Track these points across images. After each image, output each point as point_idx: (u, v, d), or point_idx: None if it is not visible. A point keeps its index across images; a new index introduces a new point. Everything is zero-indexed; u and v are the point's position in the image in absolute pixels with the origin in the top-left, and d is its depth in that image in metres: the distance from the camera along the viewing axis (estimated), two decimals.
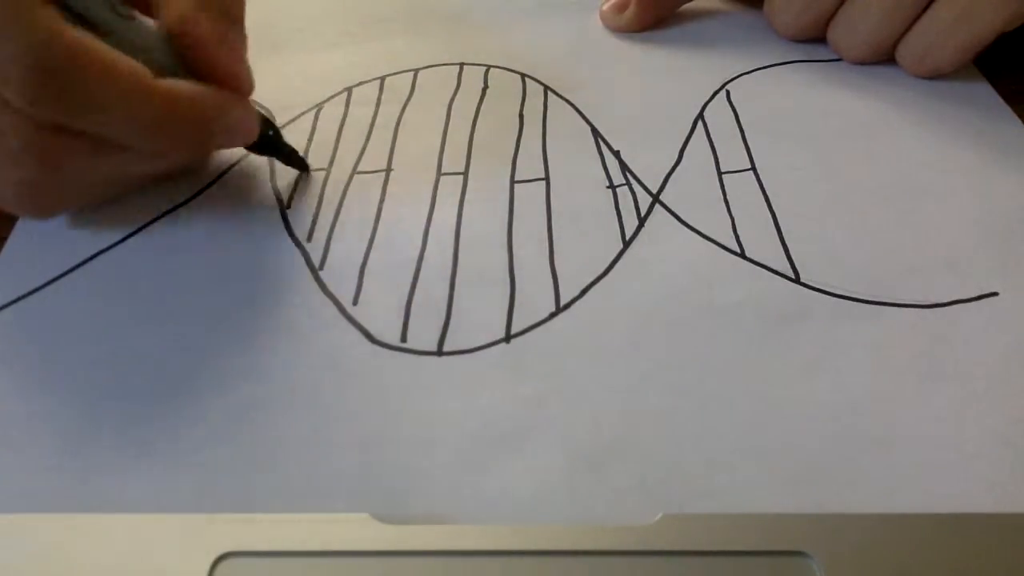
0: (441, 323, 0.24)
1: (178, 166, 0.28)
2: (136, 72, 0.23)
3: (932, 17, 0.30)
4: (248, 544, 0.18)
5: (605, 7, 0.36)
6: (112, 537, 0.18)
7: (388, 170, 0.29)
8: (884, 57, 0.33)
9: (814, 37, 0.34)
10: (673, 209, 0.28)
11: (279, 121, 0.31)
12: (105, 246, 0.26)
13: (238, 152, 0.29)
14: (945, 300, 0.25)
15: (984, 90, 0.32)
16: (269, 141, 0.28)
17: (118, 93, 0.22)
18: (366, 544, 0.18)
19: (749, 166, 0.29)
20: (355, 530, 0.19)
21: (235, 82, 0.25)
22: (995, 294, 0.25)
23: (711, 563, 0.18)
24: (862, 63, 0.33)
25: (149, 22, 0.25)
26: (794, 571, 0.18)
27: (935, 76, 0.33)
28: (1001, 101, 0.32)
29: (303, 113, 0.31)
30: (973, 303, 0.25)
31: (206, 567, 0.18)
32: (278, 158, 0.29)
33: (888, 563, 0.18)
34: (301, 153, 0.29)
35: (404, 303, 0.25)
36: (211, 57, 0.25)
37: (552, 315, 0.24)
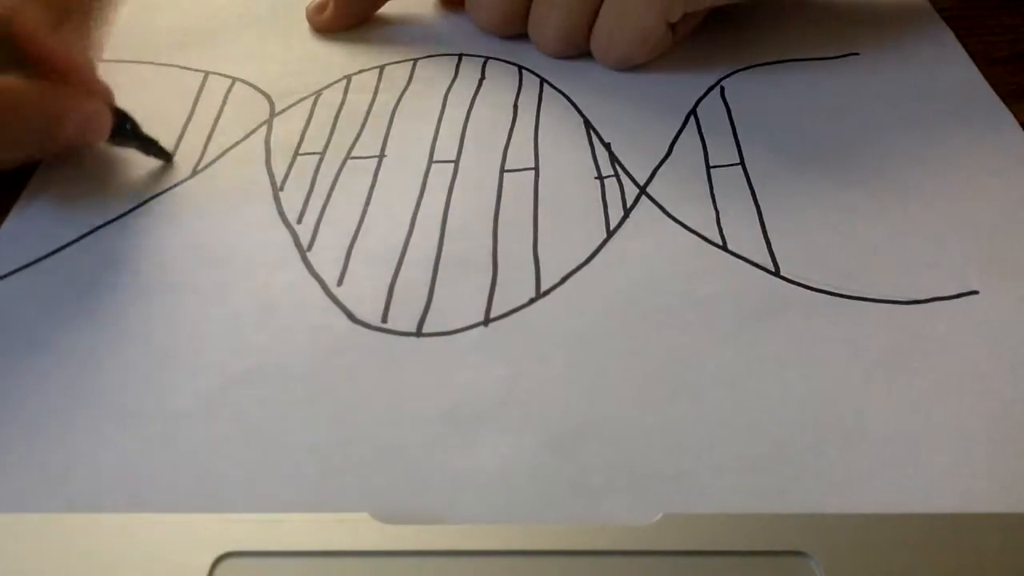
0: (422, 306, 0.25)
1: (17, 162, 0.27)
2: None
3: (603, 13, 0.31)
4: (248, 544, 0.18)
5: (309, 7, 0.36)
6: (112, 537, 0.18)
7: (381, 156, 0.30)
8: (579, 50, 0.33)
9: (513, 32, 0.34)
10: (659, 201, 0.28)
11: (278, 107, 0.32)
12: (100, 223, 0.27)
13: (233, 135, 0.30)
14: (923, 297, 0.25)
15: (982, 89, 0.32)
16: (126, 134, 0.28)
17: None
18: (366, 544, 0.18)
19: (738, 161, 0.29)
20: (355, 530, 0.19)
21: (73, 75, 0.25)
22: (975, 293, 0.25)
23: (711, 563, 0.18)
24: (560, 57, 0.34)
25: None
26: (794, 571, 0.18)
27: (626, 66, 0.33)
28: (998, 100, 0.32)
29: (303, 99, 0.32)
30: (952, 301, 0.25)
31: (206, 567, 0.18)
32: (139, 150, 0.28)
33: (888, 563, 0.18)
34: (297, 138, 0.30)
35: (387, 285, 0.25)
36: (42, 50, 0.24)
37: (532, 300, 0.25)
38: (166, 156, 0.29)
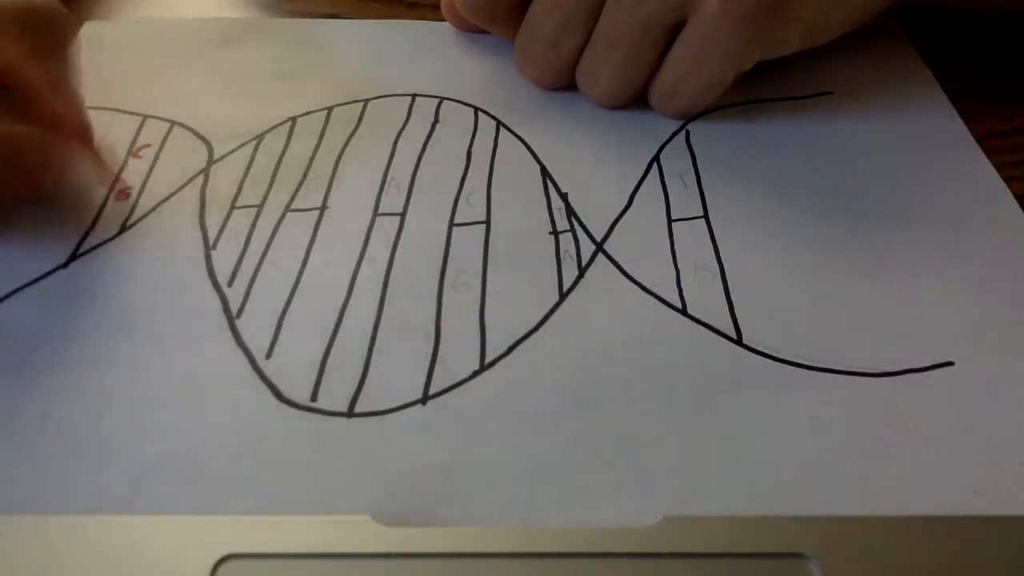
0: (356, 381, 0.23)
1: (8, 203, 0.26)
2: None
3: (670, 62, 0.29)
4: (250, 546, 0.18)
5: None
6: (113, 539, 0.19)
7: (323, 208, 0.28)
8: (633, 101, 0.31)
9: (564, 85, 0.32)
10: (616, 259, 0.26)
11: (217, 153, 0.30)
12: (21, 284, 0.25)
13: (168, 186, 0.28)
14: (895, 369, 0.23)
15: (963, 137, 0.31)
16: None
17: None
18: (367, 546, 0.19)
19: (701, 213, 0.28)
20: (356, 532, 0.19)
21: (70, 125, 0.25)
22: (950, 364, 0.23)
23: (711, 565, 0.18)
24: (612, 108, 0.32)
25: None
26: (793, 573, 0.18)
27: (685, 117, 0.31)
28: (979, 150, 0.30)
29: (243, 144, 0.30)
30: (925, 373, 0.23)
31: (208, 569, 0.18)
32: None
33: (888, 565, 0.18)
34: (235, 189, 0.28)
35: (319, 358, 0.23)
36: (41, 101, 0.24)
37: (475, 373, 0.23)
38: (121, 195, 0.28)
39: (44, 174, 0.25)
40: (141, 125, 0.31)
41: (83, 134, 0.26)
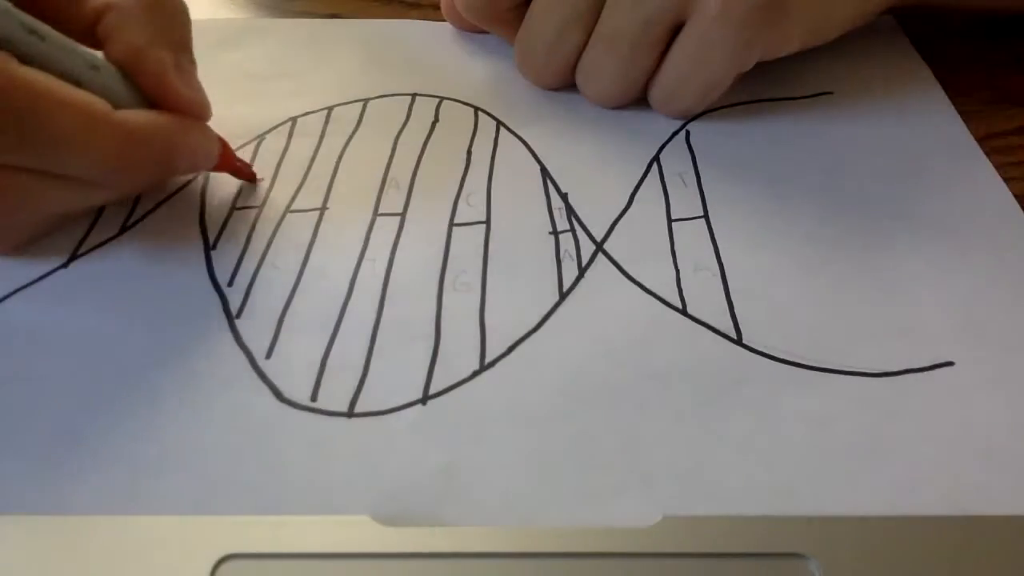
0: (356, 381, 0.23)
1: (138, 192, 0.28)
2: (93, 106, 0.23)
3: (670, 62, 0.29)
4: (250, 546, 0.18)
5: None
6: (113, 539, 0.19)
7: (323, 208, 0.28)
8: (634, 100, 0.31)
9: (565, 85, 0.32)
10: (616, 259, 0.26)
11: None
12: (21, 284, 0.25)
13: (168, 186, 0.28)
14: (895, 369, 0.23)
15: (963, 137, 0.31)
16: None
17: (77, 130, 0.22)
18: (367, 546, 0.19)
19: (701, 213, 0.28)
20: (356, 532, 0.19)
21: (193, 108, 0.26)
22: (950, 364, 0.23)
23: (711, 565, 0.18)
24: (611, 107, 0.32)
25: (100, 56, 0.25)
26: (793, 573, 0.18)
27: (685, 117, 0.31)
28: (979, 150, 0.30)
29: (244, 144, 0.30)
30: (925, 373, 0.23)
31: (208, 569, 0.18)
32: (232, 175, 0.28)
33: (887, 565, 0.18)
34: (235, 190, 0.28)
35: (320, 358, 0.23)
36: (166, 87, 0.25)
37: (475, 374, 0.23)
38: (253, 178, 0.29)
39: (175, 158, 0.25)
40: None
41: (204, 116, 0.27)
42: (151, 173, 0.26)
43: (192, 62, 0.27)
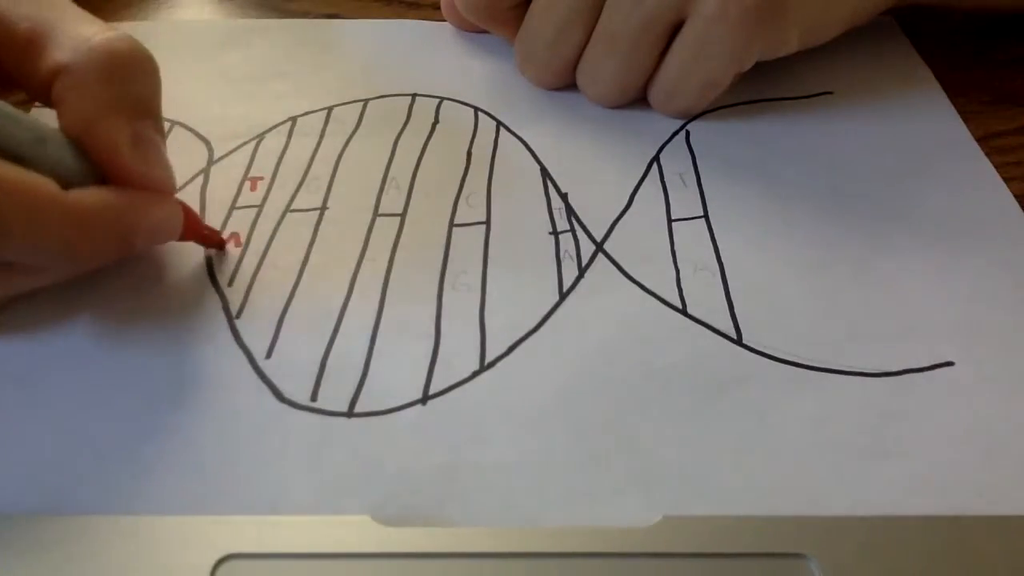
0: (356, 381, 0.23)
1: (98, 266, 0.25)
2: (38, 189, 0.21)
3: (670, 62, 0.29)
4: (249, 546, 0.18)
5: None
6: (113, 539, 0.19)
7: (323, 208, 0.28)
8: (633, 100, 0.31)
9: (564, 85, 0.32)
10: (616, 259, 0.26)
11: (217, 153, 0.30)
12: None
13: None
14: (895, 369, 0.23)
15: (963, 137, 0.31)
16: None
17: (19, 216, 0.20)
18: (367, 546, 0.19)
19: (701, 213, 0.28)
20: (356, 532, 0.19)
21: (150, 185, 0.23)
22: (950, 364, 0.23)
23: (711, 565, 0.18)
24: (611, 107, 0.32)
25: (49, 127, 0.22)
26: (794, 573, 0.18)
27: (685, 117, 0.31)
28: (979, 150, 0.30)
29: (243, 144, 0.30)
30: (925, 373, 0.23)
31: (208, 569, 0.18)
32: (198, 243, 0.26)
33: (887, 565, 0.18)
34: (235, 189, 0.28)
35: (320, 358, 0.23)
36: (119, 164, 0.22)
37: (475, 374, 0.23)
38: (222, 245, 0.26)
39: (133, 238, 0.23)
40: None
41: (166, 191, 0.24)
42: (106, 255, 0.23)
43: (159, 130, 0.24)
